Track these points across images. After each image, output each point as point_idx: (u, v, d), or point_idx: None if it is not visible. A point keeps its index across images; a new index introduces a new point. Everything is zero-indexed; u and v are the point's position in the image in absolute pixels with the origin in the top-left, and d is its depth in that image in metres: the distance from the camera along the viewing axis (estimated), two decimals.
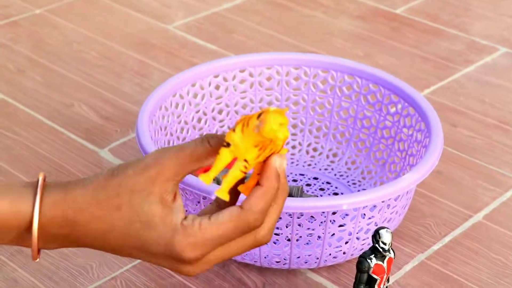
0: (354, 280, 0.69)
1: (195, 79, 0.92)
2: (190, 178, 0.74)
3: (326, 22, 1.29)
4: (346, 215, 0.76)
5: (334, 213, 0.75)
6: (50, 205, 0.56)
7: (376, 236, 0.67)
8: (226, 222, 0.55)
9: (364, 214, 0.76)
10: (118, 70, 1.16)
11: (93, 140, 1.01)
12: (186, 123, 0.93)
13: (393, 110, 0.90)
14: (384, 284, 0.68)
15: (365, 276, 0.67)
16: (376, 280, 0.67)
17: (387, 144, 0.92)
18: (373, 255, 0.67)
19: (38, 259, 0.59)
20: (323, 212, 0.74)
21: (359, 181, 0.92)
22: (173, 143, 0.90)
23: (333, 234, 0.77)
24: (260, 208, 0.56)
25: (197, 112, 0.94)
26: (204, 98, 0.94)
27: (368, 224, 0.77)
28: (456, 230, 0.87)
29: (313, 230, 0.76)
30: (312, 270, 0.81)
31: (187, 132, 0.92)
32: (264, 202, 0.56)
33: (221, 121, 0.96)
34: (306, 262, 0.79)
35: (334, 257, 0.79)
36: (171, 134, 0.90)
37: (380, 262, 0.67)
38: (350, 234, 0.77)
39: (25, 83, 1.12)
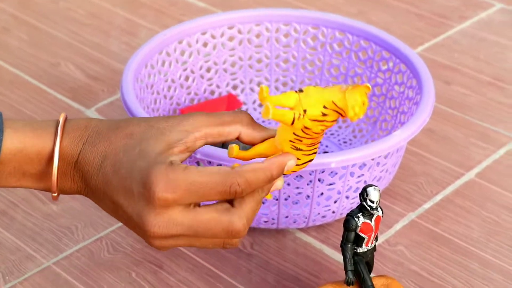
0: (341, 239, 0.68)
1: (182, 36, 0.90)
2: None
3: None
4: (335, 173, 0.74)
5: (322, 171, 0.74)
6: (72, 128, 0.59)
7: (363, 194, 0.66)
8: (212, 172, 0.55)
9: (353, 173, 0.75)
10: (106, 28, 1.13)
11: (79, 99, 0.99)
12: (173, 81, 0.91)
13: (384, 67, 0.88)
14: (372, 243, 0.67)
15: (352, 235, 0.66)
16: (363, 238, 0.66)
17: (378, 102, 0.90)
18: (361, 213, 0.66)
19: (57, 197, 0.60)
20: (312, 171, 0.73)
21: (350, 139, 0.90)
22: (160, 101, 0.88)
23: (322, 193, 0.75)
24: (249, 178, 0.55)
25: (185, 70, 0.92)
26: (192, 56, 0.92)
27: (357, 183, 0.76)
28: (448, 188, 0.85)
29: (301, 189, 0.74)
30: (301, 229, 0.80)
31: (175, 91, 0.91)
32: (256, 178, 0.55)
33: (209, 79, 0.94)
34: (294, 222, 0.77)
35: (323, 216, 0.77)
36: (158, 93, 0.88)
37: (367, 221, 0.66)
38: (339, 193, 0.76)
39: (10, 41, 1.10)
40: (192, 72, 0.92)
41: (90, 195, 0.60)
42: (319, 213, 0.77)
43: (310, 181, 0.73)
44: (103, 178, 0.57)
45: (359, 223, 0.66)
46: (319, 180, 0.74)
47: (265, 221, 0.77)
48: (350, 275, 0.66)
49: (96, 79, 1.03)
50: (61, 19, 1.15)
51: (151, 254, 0.77)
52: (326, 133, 0.91)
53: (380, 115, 0.89)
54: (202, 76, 0.93)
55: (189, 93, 0.92)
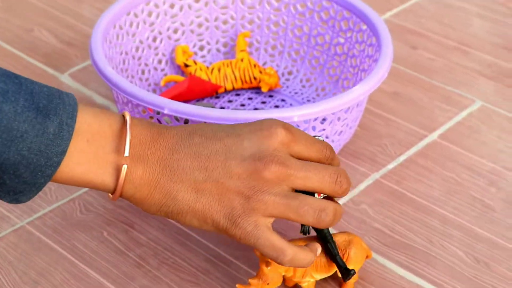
0: None
1: None
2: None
3: None
4: (298, 127, 0.77)
5: None
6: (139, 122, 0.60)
7: None
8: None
9: (315, 127, 0.77)
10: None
11: (53, 64, 1.00)
12: (141, 42, 0.93)
13: (345, 26, 0.91)
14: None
15: None
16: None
17: (340, 61, 0.92)
18: None
19: (118, 194, 0.59)
20: None
21: (313, 98, 0.93)
22: (128, 62, 0.90)
23: None
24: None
25: (152, 31, 0.93)
26: (159, 17, 0.94)
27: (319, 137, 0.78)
28: (411, 149, 0.88)
29: None
30: None
31: (142, 51, 0.93)
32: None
33: (176, 40, 0.96)
34: None
35: None
36: (126, 53, 0.90)
37: None
38: None
39: None
40: (160, 33, 0.94)
41: (166, 177, 0.58)
42: None
43: None
44: (190, 148, 0.58)
45: None
46: None
47: None
48: (306, 226, 0.66)
49: (70, 44, 1.04)
50: None
51: (122, 214, 0.79)
52: (290, 92, 0.94)
53: (342, 73, 0.92)
54: (169, 37, 0.95)
55: (156, 54, 0.94)
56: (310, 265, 0.62)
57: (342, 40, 0.92)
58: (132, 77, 0.91)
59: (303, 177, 0.59)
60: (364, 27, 0.88)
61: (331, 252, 0.68)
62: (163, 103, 0.73)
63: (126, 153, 0.58)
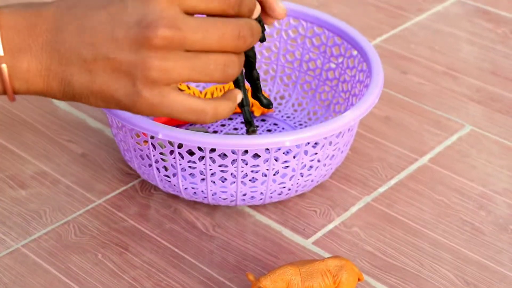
0: None
1: None
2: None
3: None
4: (290, 152, 0.78)
5: (278, 150, 0.77)
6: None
7: None
8: None
9: (307, 151, 0.79)
10: None
11: None
12: None
13: (337, 52, 0.92)
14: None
15: None
16: None
17: (331, 86, 0.94)
18: None
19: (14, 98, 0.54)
20: (268, 150, 0.76)
21: (305, 122, 0.94)
22: None
23: (277, 171, 0.79)
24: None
25: None
26: None
27: (311, 161, 0.80)
28: (402, 173, 0.89)
29: (258, 167, 0.78)
30: (260, 212, 0.83)
31: None
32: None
33: None
34: (252, 198, 0.81)
35: (279, 193, 0.81)
36: None
37: None
38: (293, 170, 0.80)
39: None
40: None
41: (55, 62, 0.52)
42: (275, 190, 0.81)
43: (267, 160, 0.77)
44: (73, 24, 0.52)
45: None
46: (274, 158, 0.78)
47: (224, 199, 0.81)
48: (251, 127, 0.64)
49: None
50: None
51: (116, 237, 0.80)
52: (282, 116, 0.95)
53: (333, 98, 0.93)
54: None
55: None
56: (231, 113, 0.58)
57: (333, 66, 0.93)
58: None
59: (200, 39, 0.52)
60: (355, 52, 0.90)
61: (242, 101, 0.65)
62: (157, 128, 0.74)
63: (1, 52, 0.51)
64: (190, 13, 0.53)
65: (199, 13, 0.54)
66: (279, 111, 0.96)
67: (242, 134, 0.93)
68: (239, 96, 0.58)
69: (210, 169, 0.78)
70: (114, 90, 0.52)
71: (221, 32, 0.53)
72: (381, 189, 0.87)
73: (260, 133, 0.93)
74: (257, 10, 0.56)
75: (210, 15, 0.54)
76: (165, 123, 0.90)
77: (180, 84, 0.95)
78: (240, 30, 0.53)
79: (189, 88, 0.94)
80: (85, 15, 0.52)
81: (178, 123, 0.92)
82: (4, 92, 0.53)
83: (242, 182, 0.79)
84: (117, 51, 0.51)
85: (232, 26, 0.53)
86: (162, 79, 0.52)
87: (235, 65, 0.54)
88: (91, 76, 0.52)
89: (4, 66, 0.52)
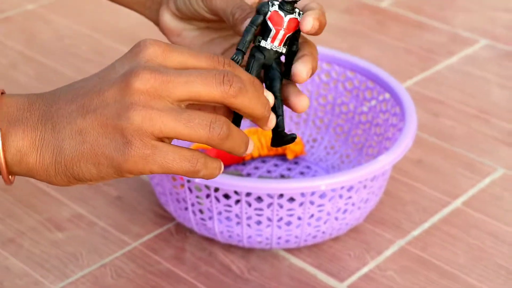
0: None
1: None
2: None
3: None
4: (325, 195, 0.79)
5: (313, 194, 0.78)
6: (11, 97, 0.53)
7: None
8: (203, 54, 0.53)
9: (342, 195, 0.79)
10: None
11: None
12: None
13: (369, 96, 0.93)
14: (279, 43, 0.58)
15: (260, 19, 0.57)
16: (270, 30, 0.57)
17: (364, 129, 0.95)
18: (278, 4, 0.58)
19: (12, 181, 0.53)
20: (303, 193, 0.77)
21: (338, 165, 0.95)
22: None
23: (312, 214, 0.80)
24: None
25: None
26: None
27: (345, 204, 0.80)
28: (435, 216, 0.89)
29: (293, 210, 0.79)
30: (295, 255, 0.84)
31: None
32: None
33: None
34: (287, 242, 0.82)
35: (313, 236, 0.82)
36: None
37: (280, 12, 0.58)
38: (328, 214, 0.80)
39: (17, 77, 1.15)
40: None
41: (49, 130, 0.52)
42: (309, 234, 0.81)
43: (302, 203, 0.78)
44: (69, 94, 0.53)
45: (271, 9, 0.58)
46: (310, 202, 0.78)
47: (259, 242, 0.81)
48: (239, 56, 0.56)
49: None
50: (66, 55, 1.20)
51: (153, 280, 0.81)
52: (315, 159, 0.96)
53: (366, 141, 0.94)
54: None
55: None
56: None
57: (366, 109, 0.94)
58: None
59: (184, 82, 0.51)
60: (388, 96, 0.91)
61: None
62: None
63: None
64: (177, 68, 0.52)
65: (187, 69, 0.53)
66: (312, 154, 0.97)
67: (276, 177, 0.94)
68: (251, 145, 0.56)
69: (246, 213, 0.79)
70: (104, 146, 0.52)
71: (205, 76, 0.51)
72: (415, 233, 0.87)
73: (293, 177, 0.94)
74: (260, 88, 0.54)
75: None
76: None
77: None
78: (224, 75, 0.51)
79: None
80: (80, 85, 0.53)
81: None
82: None
83: (277, 225, 0.80)
84: (103, 105, 0.51)
85: (216, 71, 0.52)
86: (147, 127, 0.51)
87: (222, 125, 0.51)
88: (81, 137, 0.52)
89: None
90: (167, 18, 0.66)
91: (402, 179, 0.95)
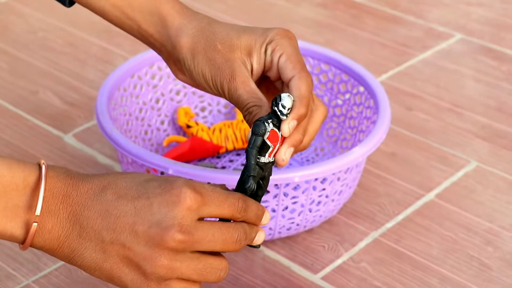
0: (247, 144, 0.64)
1: (153, 61, 0.95)
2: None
3: (288, 9, 1.32)
4: (299, 187, 0.79)
5: (287, 185, 0.78)
6: (55, 174, 0.59)
7: (276, 99, 0.63)
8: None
9: (316, 187, 0.79)
10: (83, 57, 1.18)
11: (57, 125, 1.03)
12: (144, 103, 0.95)
13: (343, 89, 0.94)
14: (274, 156, 0.64)
15: (259, 140, 0.62)
16: (268, 147, 0.63)
17: (338, 122, 0.95)
18: (270, 120, 0.63)
19: (28, 244, 0.59)
20: (277, 185, 0.77)
21: (312, 158, 0.95)
22: (132, 123, 0.92)
23: (286, 206, 0.80)
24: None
25: (155, 93, 0.96)
26: (162, 79, 0.96)
27: (319, 196, 0.80)
28: (409, 208, 0.90)
29: (267, 202, 0.79)
30: (269, 248, 0.84)
31: (146, 112, 0.95)
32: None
33: (178, 101, 0.98)
34: None
35: (287, 228, 0.82)
36: (130, 115, 0.92)
37: (275, 129, 0.63)
38: (302, 206, 0.80)
39: None
40: (162, 94, 0.97)
41: (75, 233, 0.59)
42: (284, 226, 0.81)
43: (276, 195, 0.78)
44: (101, 206, 0.59)
45: (268, 129, 0.63)
46: (284, 194, 0.78)
47: None
48: (252, 181, 0.62)
49: (74, 105, 1.07)
50: (40, 48, 1.19)
51: None
52: None
53: (340, 134, 0.94)
54: (172, 99, 0.98)
55: (159, 115, 0.97)
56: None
57: (340, 102, 0.94)
58: (136, 137, 0.93)
59: (207, 243, 0.60)
60: (362, 89, 0.91)
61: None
62: (167, 164, 0.75)
63: (38, 212, 0.58)
64: (205, 217, 0.61)
65: (213, 217, 0.61)
66: None
67: None
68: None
69: None
70: (124, 274, 0.59)
71: (224, 237, 0.61)
72: (389, 225, 0.87)
73: None
74: (266, 218, 0.64)
75: (221, 219, 0.63)
76: (175, 159, 0.91)
77: (189, 121, 0.96)
78: (238, 235, 0.62)
79: (197, 124, 0.96)
80: (113, 201, 0.59)
81: (187, 159, 0.93)
82: (21, 242, 0.59)
83: None
84: (134, 243, 0.58)
85: (232, 232, 0.61)
86: (167, 275, 0.59)
87: (227, 271, 0.62)
88: (104, 256, 0.59)
89: (35, 225, 0.58)
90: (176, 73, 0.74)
91: (376, 171, 0.95)
